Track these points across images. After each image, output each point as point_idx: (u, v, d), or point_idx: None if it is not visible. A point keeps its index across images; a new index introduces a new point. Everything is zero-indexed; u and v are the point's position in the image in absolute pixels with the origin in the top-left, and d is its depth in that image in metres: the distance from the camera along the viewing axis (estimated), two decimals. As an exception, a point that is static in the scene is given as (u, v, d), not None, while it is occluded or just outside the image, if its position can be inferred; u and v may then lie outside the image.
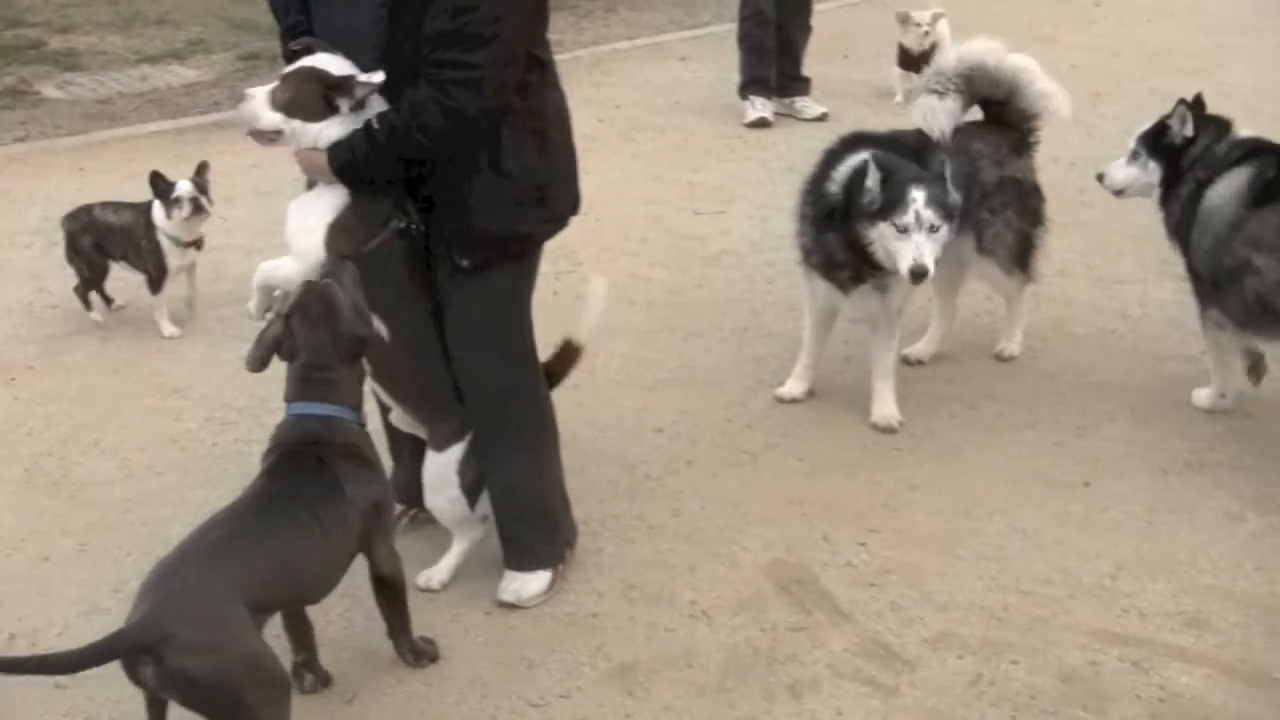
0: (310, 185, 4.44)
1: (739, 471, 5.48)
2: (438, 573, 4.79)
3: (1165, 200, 5.79)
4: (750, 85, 9.99)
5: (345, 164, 4.19)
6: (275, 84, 4.26)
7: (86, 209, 7.04)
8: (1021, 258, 6.07)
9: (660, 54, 12.12)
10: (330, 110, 4.19)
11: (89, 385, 6.37)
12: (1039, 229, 6.12)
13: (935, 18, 9.93)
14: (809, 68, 10.27)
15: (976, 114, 6.16)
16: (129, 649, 3.42)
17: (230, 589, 3.54)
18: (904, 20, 10.01)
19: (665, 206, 8.27)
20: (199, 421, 5.98)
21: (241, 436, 5.69)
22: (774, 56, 9.98)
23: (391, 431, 4.99)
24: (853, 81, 10.97)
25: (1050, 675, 4.30)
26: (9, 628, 4.68)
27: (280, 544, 3.78)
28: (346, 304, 3.97)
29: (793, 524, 5.12)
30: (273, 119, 4.24)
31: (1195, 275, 5.68)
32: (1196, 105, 5.73)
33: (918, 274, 5.23)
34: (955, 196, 5.33)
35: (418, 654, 4.34)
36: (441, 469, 4.64)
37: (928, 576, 4.80)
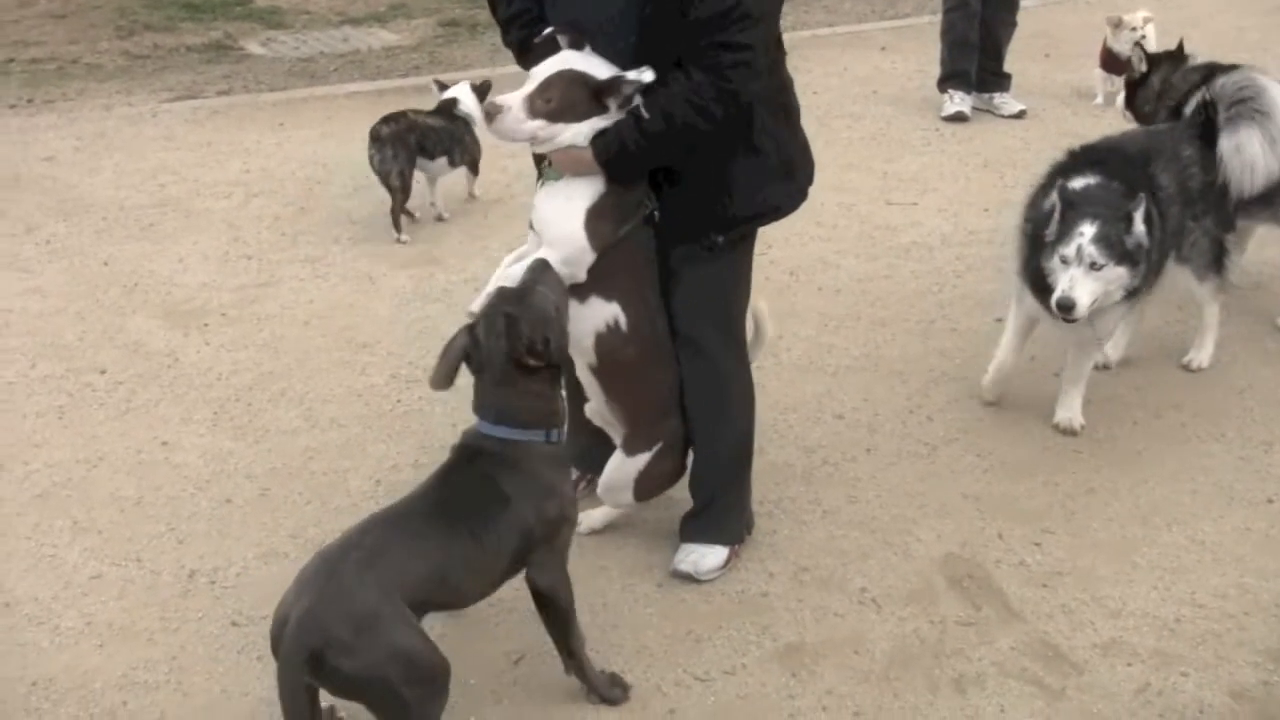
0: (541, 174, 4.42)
1: (917, 463, 5.46)
2: (589, 519, 4.89)
3: (1138, 119, 7.02)
4: (950, 79, 9.92)
5: (616, 156, 4.12)
6: (530, 90, 4.12)
7: (401, 113, 7.64)
8: (1217, 263, 5.95)
9: (860, 43, 12.08)
10: (599, 110, 4.11)
11: (278, 335, 6.51)
12: (1231, 234, 6.03)
13: (1145, 21, 9.78)
14: (1010, 64, 10.16)
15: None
16: (295, 657, 3.44)
17: (387, 588, 3.53)
18: (1116, 24, 9.85)
19: (858, 195, 8.25)
20: (384, 377, 6.09)
21: (425, 395, 5.76)
22: (976, 51, 9.89)
23: (570, 397, 5.02)
24: (1053, 81, 10.84)
25: (1220, 691, 4.24)
26: (190, 564, 4.81)
27: (435, 551, 3.71)
28: (529, 316, 3.84)
29: (968, 519, 5.09)
30: (531, 128, 4.12)
31: None
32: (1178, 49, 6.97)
33: (1063, 306, 5.13)
34: (1139, 238, 5.18)
35: (599, 693, 4.16)
36: (624, 473, 4.65)
37: (1101, 582, 4.75)
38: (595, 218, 4.19)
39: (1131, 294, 5.32)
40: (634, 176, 4.24)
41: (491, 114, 4.13)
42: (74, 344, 6.40)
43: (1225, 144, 5.80)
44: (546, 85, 4.11)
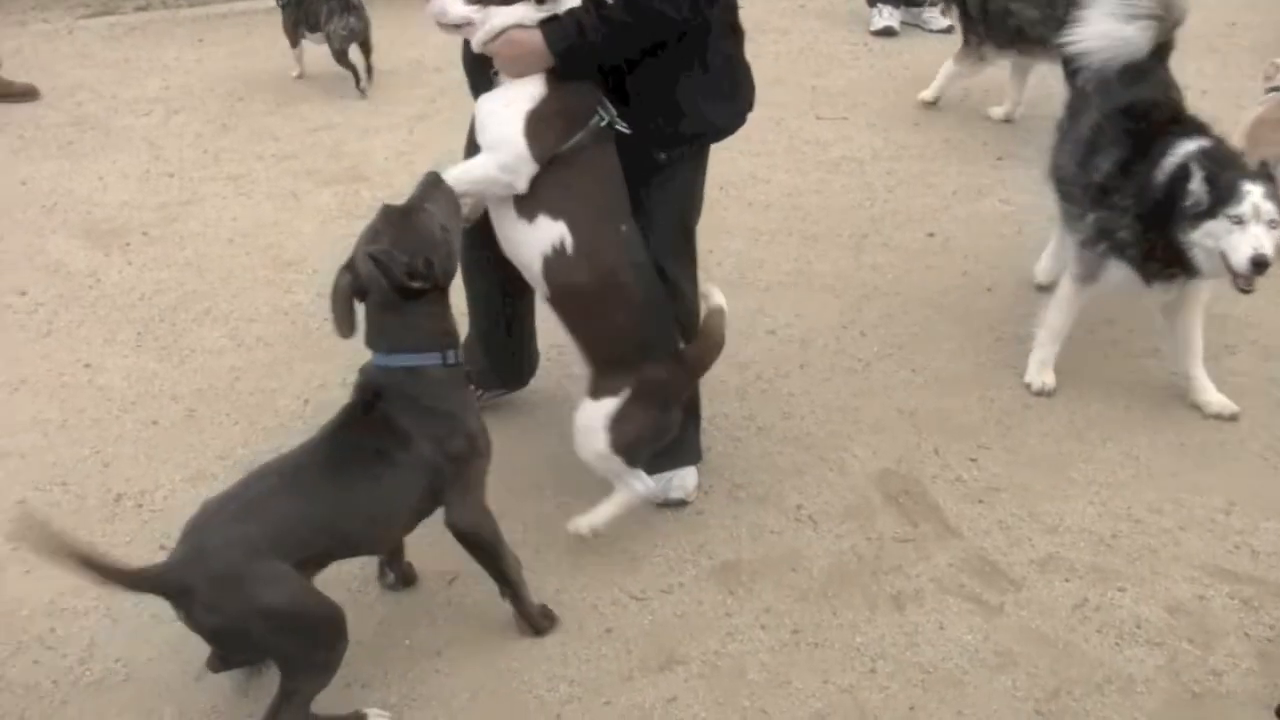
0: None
1: (851, 378, 5.43)
2: (590, 519, 4.43)
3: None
4: (879, -7, 9.87)
5: (571, 47, 3.94)
6: None
7: None
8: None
9: (787, -44, 12.00)
10: None
11: (202, 254, 6.41)
12: None
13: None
14: (938, -21, 10.11)
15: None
16: (160, 592, 3.44)
17: (260, 547, 3.44)
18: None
19: (787, 110, 8.18)
20: (310, 296, 6.00)
21: (352, 313, 5.68)
22: (905, -34, 9.85)
23: (481, 310, 4.91)
24: (981, -5, 10.79)
25: (1157, 605, 4.24)
26: (116, 488, 4.74)
27: (325, 503, 3.60)
28: (409, 239, 3.70)
29: (903, 435, 5.08)
30: (462, 12, 4.00)
31: (969, 17, 7.97)
32: None
33: (1259, 263, 4.75)
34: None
35: (528, 620, 4.10)
36: (590, 420, 4.27)
37: (1038, 497, 4.74)
38: (536, 121, 4.00)
39: None
40: (587, 70, 4.05)
41: None
42: (-8, 265, 6.29)
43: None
44: None
